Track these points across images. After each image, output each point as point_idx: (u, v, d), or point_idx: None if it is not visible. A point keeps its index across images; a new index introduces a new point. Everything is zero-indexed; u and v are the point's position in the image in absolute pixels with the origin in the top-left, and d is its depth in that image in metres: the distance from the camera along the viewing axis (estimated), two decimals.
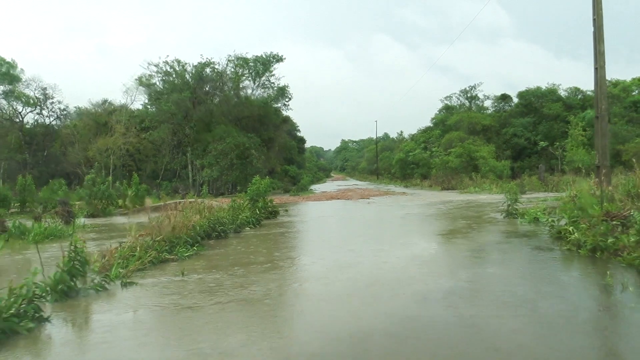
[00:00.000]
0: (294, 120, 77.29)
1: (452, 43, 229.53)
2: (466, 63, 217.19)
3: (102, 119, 51.27)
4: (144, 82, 41.19)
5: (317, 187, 57.26)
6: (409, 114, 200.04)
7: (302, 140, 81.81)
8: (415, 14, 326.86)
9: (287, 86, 48.39)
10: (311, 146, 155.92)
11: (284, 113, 63.24)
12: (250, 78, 43.31)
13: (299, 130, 79.73)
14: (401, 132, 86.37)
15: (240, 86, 42.05)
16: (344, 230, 15.22)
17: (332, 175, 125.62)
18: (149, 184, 46.81)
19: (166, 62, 40.08)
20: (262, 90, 44.07)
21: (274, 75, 43.17)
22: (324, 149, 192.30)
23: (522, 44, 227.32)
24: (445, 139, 52.85)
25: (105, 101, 50.96)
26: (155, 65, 39.88)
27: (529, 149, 52.22)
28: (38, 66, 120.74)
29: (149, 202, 26.35)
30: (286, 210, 20.98)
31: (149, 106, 42.93)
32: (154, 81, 40.92)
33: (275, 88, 45.51)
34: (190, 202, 23.22)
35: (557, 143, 44.29)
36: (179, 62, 40.28)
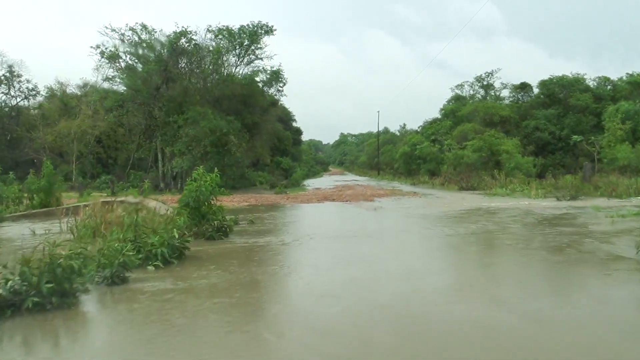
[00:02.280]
0: (289, 109, 70.18)
1: (450, 41, 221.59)
2: (461, 60, 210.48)
3: (71, 101, 43.83)
4: (106, 54, 33.53)
5: (312, 182, 49.79)
6: (407, 110, 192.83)
7: (298, 132, 74.36)
8: (409, 9, 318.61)
9: (281, 69, 40.76)
10: (310, 139, 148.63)
11: (280, 100, 56.02)
12: (234, 53, 35.71)
13: (294, 120, 72.29)
14: (404, 124, 78.92)
15: (222, 60, 34.39)
16: (346, 300, 7.30)
17: (330, 169, 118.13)
18: (117, 176, 39.56)
19: (132, 29, 32.40)
20: (249, 67, 36.46)
21: (261, 49, 35.51)
22: (323, 143, 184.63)
23: (516, 42, 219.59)
24: (458, 131, 45.36)
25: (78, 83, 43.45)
26: (115, 31, 32.20)
27: (552, 144, 44.76)
28: (3, 41, 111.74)
29: (69, 200, 18.92)
30: (252, 222, 13.53)
31: (115, 84, 35.33)
32: (118, 52, 33.23)
33: (263, 66, 37.84)
34: (119, 202, 15.85)
35: (593, 137, 36.83)
36: (145, 27, 32.59)
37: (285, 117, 68.90)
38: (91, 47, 32.91)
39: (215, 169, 11.64)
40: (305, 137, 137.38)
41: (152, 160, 38.44)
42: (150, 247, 7.92)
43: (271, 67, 39.90)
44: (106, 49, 32.45)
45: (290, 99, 78.37)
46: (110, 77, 34.00)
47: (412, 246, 10.58)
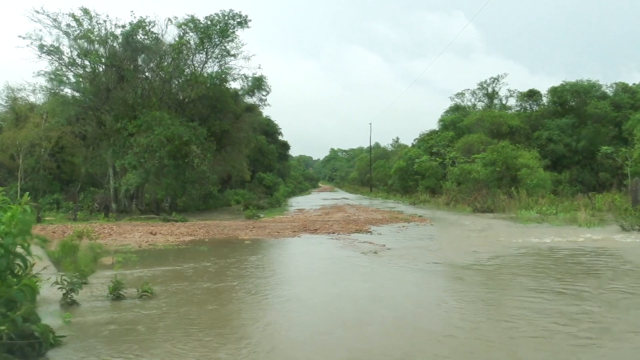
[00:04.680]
0: (276, 122, 64.06)
1: (434, 59, 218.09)
2: (443, 77, 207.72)
3: (22, 109, 37.14)
4: (46, 48, 26.92)
5: (297, 201, 43.28)
6: (391, 126, 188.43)
7: (285, 146, 68.01)
8: (388, 28, 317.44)
9: (264, 77, 34.33)
10: (300, 155, 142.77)
11: (260, 106, 49.72)
12: (201, 48, 29.31)
13: (280, 134, 65.97)
14: (397, 138, 73.00)
15: (185, 55, 27.87)
16: None
17: (320, 185, 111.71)
18: (71, 195, 32.77)
19: (72, 15, 25.82)
20: (219, 66, 29.92)
21: (232, 41, 29.04)
22: (313, 159, 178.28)
23: (495, 59, 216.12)
24: (462, 143, 39.21)
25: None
26: (48, 16, 25.65)
27: (568, 158, 38.73)
28: None
29: None
30: (147, 294, 6.89)
31: (58, 87, 28.58)
32: (58, 44, 26.62)
33: (244, 74, 31.30)
34: None
35: (623, 149, 30.80)
36: (86, 11, 26.04)
37: (271, 130, 62.64)
38: (20, 36, 26.12)
39: (26, 195, 5.04)
40: (295, 153, 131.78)
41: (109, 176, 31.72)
42: None
43: (253, 74, 33.58)
44: (40, 39, 25.81)
45: (279, 115, 72.03)
46: (52, 76, 27.21)
47: None
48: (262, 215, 23.49)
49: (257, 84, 34.83)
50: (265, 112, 59.20)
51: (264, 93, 35.36)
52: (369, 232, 15.55)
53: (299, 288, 7.78)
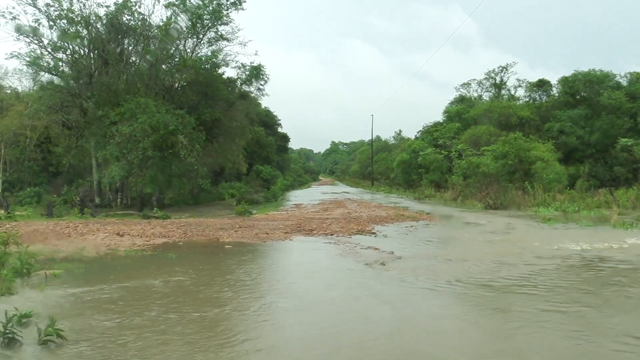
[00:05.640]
0: (275, 114, 61.68)
1: (434, 53, 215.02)
2: (442, 70, 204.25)
3: (5, 97, 34.90)
4: (23, 29, 24.55)
5: (296, 195, 41.09)
6: (390, 119, 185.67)
7: (285, 138, 65.58)
8: (386, 21, 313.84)
9: (262, 65, 31.96)
10: (301, 148, 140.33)
11: (262, 103, 47.29)
12: (192, 32, 26.93)
13: (280, 125, 63.56)
14: (400, 131, 70.54)
15: (172, 37, 25.45)
16: None
17: (320, 178, 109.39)
18: (57, 188, 30.58)
19: None
20: (211, 49, 27.54)
21: (226, 25, 26.69)
22: (314, 152, 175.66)
23: (493, 53, 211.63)
24: (468, 135, 36.85)
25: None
26: None
27: (580, 151, 36.35)
28: None
29: None
30: (54, 335, 4.73)
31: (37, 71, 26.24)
32: (36, 24, 24.23)
33: (241, 63, 28.92)
34: None
35: None
36: None
37: (270, 121, 60.26)
38: None
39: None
40: (296, 146, 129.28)
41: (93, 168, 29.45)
42: None
43: (251, 62, 31.24)
44: (14, 18, 23.40)
45: (280, 108, 69.84)
46: (27, 59, 24.84)
47: None
48: (254, 212, 21.23)
49: (255, 73, 32.43)
50: (265, 103, 56.91)
51: (262, 82, 33.01)
52: (373, 233, 13.29)
53: (276, 336, 5.45)
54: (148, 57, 25.82)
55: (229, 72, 30.25)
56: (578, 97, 39.11)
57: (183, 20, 26.85)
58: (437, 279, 7.50)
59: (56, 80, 26.33)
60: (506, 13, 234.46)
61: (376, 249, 10.41)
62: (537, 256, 9.43)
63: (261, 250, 10.54)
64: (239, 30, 27.75)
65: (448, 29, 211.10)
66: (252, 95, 34.42)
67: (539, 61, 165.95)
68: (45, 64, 25.25)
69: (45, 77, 26.78)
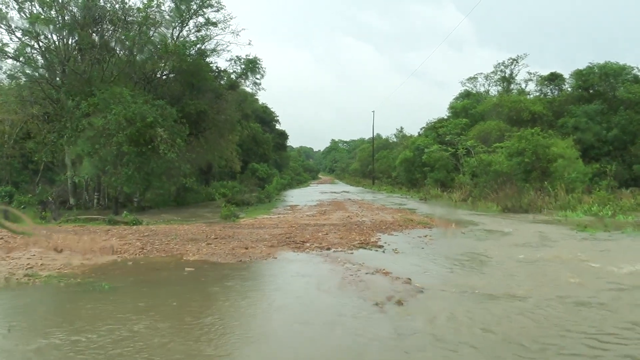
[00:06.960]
0: (272, 110, 58.96)
1: (432, 53, 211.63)
2: (439, 69, 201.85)
3: None
4: None
5: (293, 195, 38.34)
6: (394, 118, 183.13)
7: (283, 135, 62.82)
8: (380, 19, 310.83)
9: (258, 58, 29.46)
10: (300, 146, 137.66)
11: (259, 99, 44.58)
12: (177, 16, 24.15)
13: (278, 122, 60.84)
14: (401, 128, 67.77)
15: (154, 20, 22.62)
16: None
17: (320, 177, 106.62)
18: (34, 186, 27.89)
19: None
20: (196, 33, 24.74)
21: (217, 10, 23.92)
22: (314, 150, 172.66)
23: (487, 52, 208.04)
24: (477, 131, 34.11)
25: None
26: None
27: (597, 149, 33.58)
28: None
29: None
30: None
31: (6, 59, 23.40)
32: (3, 7, 21.46)
33: (235, 56, 26.50)
34: None
35: None
36: None
37: (267, 118, 57.51)
38: None
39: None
40: (295, 144, 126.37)
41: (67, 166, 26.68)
42: None
43: (246, 55, 28.69)
44: None
45: (279, 106, 67.13)
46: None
47: None
48: (242, 215, 18.44)
49: (251, 66, 29.75)
50: (263, 99, 54.19)
51: (258, 76, 30.35)
52: (380, 246, 10.52)
53: None
54: (127, 42, 23.03)
55: (221, 64, 27.61)
56: (592, 91, 36.38)
57: (166, 2, 24.18)
58: (488, 332, 4.74)
59: (28, 69, 23.59)
60: (500, 12, 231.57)
61: (387, 273, 7.66)
62: (613, 286, 6.68)
63: (229, 278, 7.71)
64: (231, 19, 25.10)
65: (442, 27, 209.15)
66: (249, 90, 31.83)
67: (534, 59, 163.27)
68: (13, 51, 22.49)
69: (15, 65, 24.01)
